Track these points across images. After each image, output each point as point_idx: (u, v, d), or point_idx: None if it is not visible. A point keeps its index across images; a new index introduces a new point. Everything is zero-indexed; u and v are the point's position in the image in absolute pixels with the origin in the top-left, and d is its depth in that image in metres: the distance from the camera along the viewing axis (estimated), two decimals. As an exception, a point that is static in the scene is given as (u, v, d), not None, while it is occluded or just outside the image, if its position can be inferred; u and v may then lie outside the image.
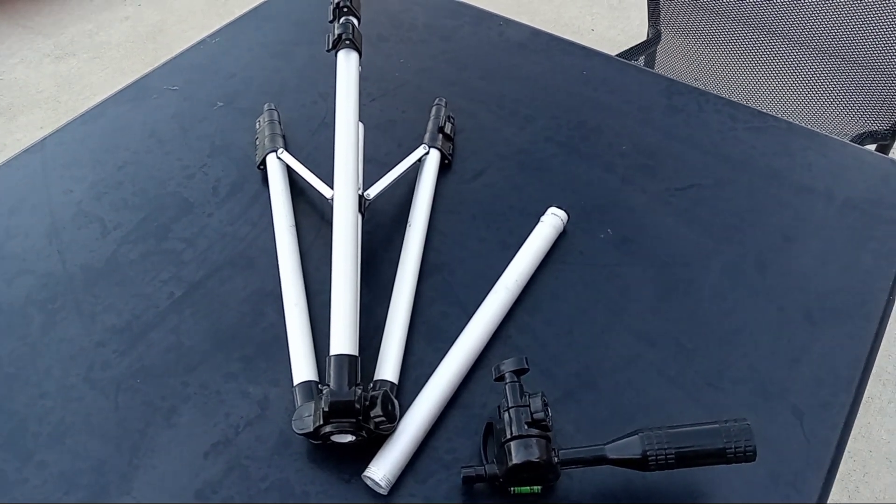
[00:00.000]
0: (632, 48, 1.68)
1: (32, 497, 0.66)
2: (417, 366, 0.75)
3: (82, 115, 1.02)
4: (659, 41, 1.70)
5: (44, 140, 0.99)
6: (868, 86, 1.46)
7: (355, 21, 0.85)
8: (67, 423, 0.71)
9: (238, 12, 1.23)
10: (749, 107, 1.04)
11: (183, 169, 0.95)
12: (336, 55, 0.84)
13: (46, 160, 0.96)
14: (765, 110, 1.03)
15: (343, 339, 0.67)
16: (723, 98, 1.05)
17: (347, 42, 0.83)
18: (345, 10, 0.84)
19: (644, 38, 1.70)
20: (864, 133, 1.48)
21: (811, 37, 1.46)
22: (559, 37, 1.17)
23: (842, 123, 1.50)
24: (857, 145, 1.00)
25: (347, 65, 0.82)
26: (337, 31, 0.83)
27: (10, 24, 2.75)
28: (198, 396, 0.73)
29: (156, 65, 1.12)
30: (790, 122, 1.01)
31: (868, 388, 1.81)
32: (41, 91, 2.49)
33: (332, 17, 0.85)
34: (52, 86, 2.51)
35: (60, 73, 2.56)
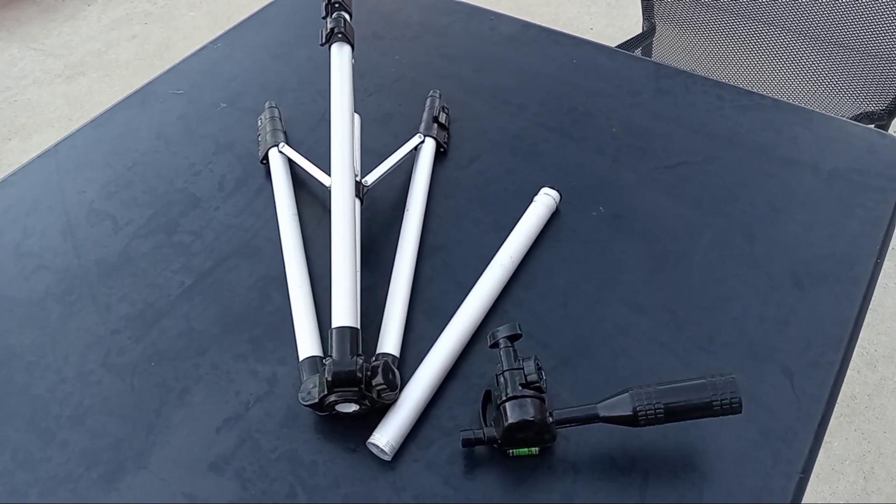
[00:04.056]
0: (627, 41, 1.70)
1: (56, 473, 0.69)
2: (418, 341, 0.78)
3: (93, 121, 1.07)
4: (654, 34, 1.73)
5: (57, 145, 1.03)
6: (863, 68, 1.48)
7: (347, 16, 0.89)
8: (87, 406, 0.74)
9: (241, 25, 1.27)
10: (735, 86, 1.06)
11: (189, 167, 0.99)
12: (329, 48, 0.88)
13: (60, 164, 1.01)
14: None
15: (344, 312, 0.70)
16: (710, 79, 1.08)
17: (339, 35, 0.86)
18: (336, 5, 0.88)
19: (640, 33, 1.73)
20: (860, 114, 1.50)
21: (804, 24, 1.49)
22: (549, 28, 1.20)
23: (838, 105, 1.52)
24: (842, 118, 1.02)
25: (340, 57, 0.86)
26: (329, 26, 0.87)
27: (21, 46, 2.82)
28: (209, 377, 0.76)
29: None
30: (776, 99, 1.04)
31: (881, 369, 1.82)
32: (53, 111, 2.55)
33: (324, 14, 0.89)
34: (64, 105, 2.57)
35: (71, 92, 2.62)
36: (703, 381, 0.64)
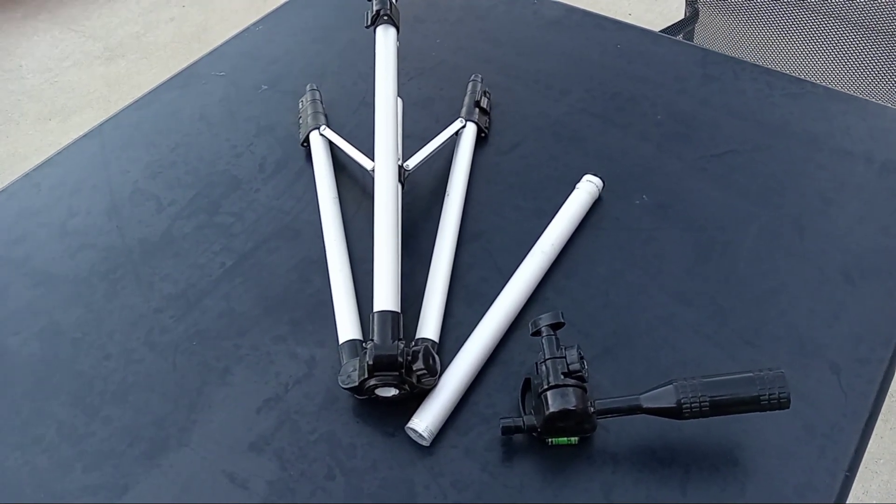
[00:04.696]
0: (669, 27, 1.67)
1: (100, 448, 0.71)
2: (457, 327, 0.78)
3: (136, 102, 1.08)
4: (696, 19, 1.69)
5: (101, 125, 1.05)
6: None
7: (392, -2, 0.88)
8: (130, 383, 0.76)
9: (278, 7, 1.27)
10: (786, 73, 1.03)
11: (231, 149, 1.00)
12: (375, 31, 0.87)
13: (105, 144, 1.02)
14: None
15: (386, 296, 0.70)
16: (759, 66, 1.05)
17: (385, 18, 0.86)
18: (382, -13, 0.87)
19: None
20: (910, 104, 1.45)
21: (852, 11, 1.44)
22: (592, 12, 1.18)
23: (888, 95, 1.47)
24: (897, 108, 0.99)
25: (386, 39, 0.85)
26: (375, 8, 0.86)
27: (63, 28, 2.87)
28: (249, 357, 0.77)
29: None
30: (828, 88, 1.01)
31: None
32: (93, 91, 2.59)
33: (370, -4, 0.89)
34: (103, 86, 2.61)
35: (110, 74, 2.66)
36: (751, 374, 0.63)
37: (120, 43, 2.79)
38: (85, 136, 1.03)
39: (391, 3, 0.87)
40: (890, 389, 1.73)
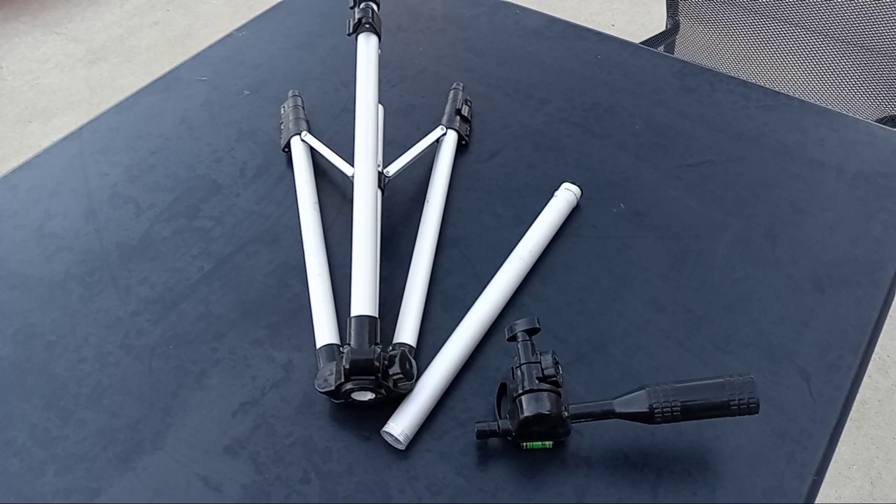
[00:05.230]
0: (650, 38, 1.69)
1: (73, 451, 0.70)
2: (435, 332, 0.78)
3: (117, 105, 1.08)
4: (677, 31, 1.72)
5: (81, 128, 1.04)
6: (888, 71, 1.46)
7: (374, 6, 0.89)
8: (105, 386, 0.75)
9: (263, 14, 1.28)
10: (761, 86, 1.05)
11: (212, 153, 1.00)
12: (357, 38, 0.88)
13: (84, 147, 1.01)
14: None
15: (363, 301, 0.70)
16: (735, 78, 1.07)
17: (367, 26, 0.86)
18: (364, -5, 0.88)
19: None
20: (884, 117, 1.48)
21: (829, 25, 1.47)
22: (574, 23, 1.19)
23: (862, 108, 1.50)
24: (868, 121, 1.01)
25: (367, 47, 0.86)
26: (357, 16, 0.87)
27: (44, 30, 2.85)
28: (226, 361, 0.77)
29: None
30: (802, 100, 1.03)
31: (893, 375, 1.80)
32: (74, 94, 2.57)
33: (352, 4, 0.89)
34: (85, 89, 2.59)
35: (93, 76, 2.64)
36: (721, 380, 0.64)
37: (102, 46, 2.77)
38: (64, 138, 1.03)
39: (373, 11, 0.88)
40: (862, 396, 1.76)
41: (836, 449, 0.69)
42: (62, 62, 2.71)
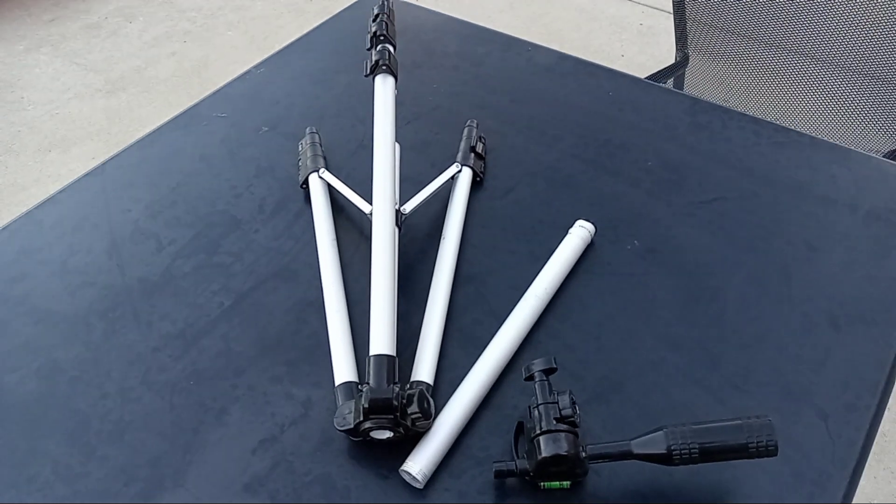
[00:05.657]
0: (660, 71, 1.71)
1: (94, 488, 0.71)
2: (452, 369, 0.79)
3: (139, 142, 1.10)
4: (687, 64, 1.74)
5: (104, 164, 1.07)
6: (898, 103, 1.47)
7: (391, 48, 0.91)
8: (126, 422, 0.76)
9: (277, 47, 1.30)
10: (772, 122, 1.06)
11: (231, 189, 1.02)
12: (374, 79, 0.90)
13: (106, 183, 1.04)
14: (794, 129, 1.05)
15: (382, 340, 0.71)
16: (746, 115, 1.08)
17: (384, 67, 0.88)
18: (381, 38, 0.90)
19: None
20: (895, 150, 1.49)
21: (839, 57, 1.48)
22: (585, 60, 1.21)
23: (873, 140, 1.51)
24: (879, 157, 1.02)
25: (384, 88, 0.88)
26: (374, 58, 0.89)
27: (65, 61, 2.91)
28: (246, 398, 0.78)
29: (203, 95, 1.19)
30: (813, 137, 1.04)
31: None
32: (93, 124, 2.62)
33: (369, 46, 0.91)
34: (104, 119, 2.64)
35: (111, 107, 2.69)
36: (740, 422, 0.64)
37: (121, 76, 2.83)
38: (87, 174, 1.05)
39: (390, 53, 0.90)
40: (883, 429, 1.75)
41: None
42: (81, 92, 2.76)
